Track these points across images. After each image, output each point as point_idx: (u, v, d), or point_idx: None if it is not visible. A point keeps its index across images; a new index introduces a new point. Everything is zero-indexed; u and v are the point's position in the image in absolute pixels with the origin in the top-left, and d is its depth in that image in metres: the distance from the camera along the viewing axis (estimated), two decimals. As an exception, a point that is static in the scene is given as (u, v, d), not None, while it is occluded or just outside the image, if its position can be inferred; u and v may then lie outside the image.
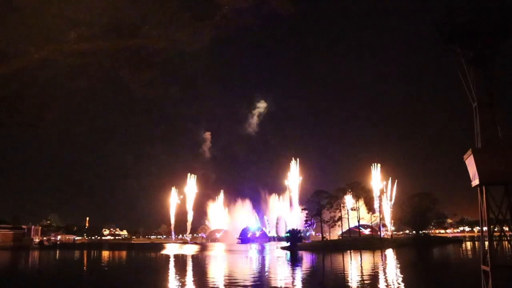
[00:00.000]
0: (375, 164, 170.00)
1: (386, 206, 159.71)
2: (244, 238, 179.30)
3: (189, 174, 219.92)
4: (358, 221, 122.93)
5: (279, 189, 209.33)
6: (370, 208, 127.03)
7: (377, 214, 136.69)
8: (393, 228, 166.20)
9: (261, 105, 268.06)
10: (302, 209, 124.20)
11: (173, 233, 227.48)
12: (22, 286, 37.98)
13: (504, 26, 16.68)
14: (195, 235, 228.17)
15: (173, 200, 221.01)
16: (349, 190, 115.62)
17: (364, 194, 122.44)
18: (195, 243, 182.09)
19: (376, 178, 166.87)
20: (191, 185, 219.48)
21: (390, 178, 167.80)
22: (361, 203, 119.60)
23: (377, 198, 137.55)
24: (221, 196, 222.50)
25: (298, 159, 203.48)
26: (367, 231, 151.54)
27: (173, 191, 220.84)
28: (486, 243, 16.42)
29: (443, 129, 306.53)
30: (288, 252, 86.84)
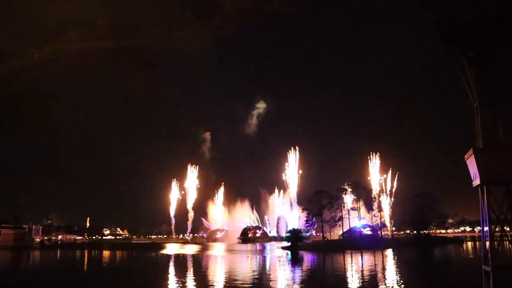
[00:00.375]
0: (373, 153, 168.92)
1: (386, 205, 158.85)
2: (244, 238, 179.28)
3: (189, 166, 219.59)
4: (359, 221, 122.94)
5: (279, 187, 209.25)
6: (370, 208, 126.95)
7: (378, 214, 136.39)
8: (394, 228, 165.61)
9: (260, 106, 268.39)
10: (303, 209, 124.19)
11: (173, 232, 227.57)
12: (23, 286, 38.01)
13: (504, 26, 16.66)
14: (195, 234, 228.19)
15: (173, 195, 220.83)
16: (350, 190, 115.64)
17: (365, 194, 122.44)
18: (196, 243, 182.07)
19: (375, 169, 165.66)
20: (192, 179, 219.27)
21: (390, 169, 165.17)
22: (361, 203, 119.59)
23: (377, 196, 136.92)
24: (221, 196, 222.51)
25: (297, 147, 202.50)
26: (368, 231, 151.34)
27: (174, 185, 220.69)
28: (487, 243, 16.42)
29: (444, 129, 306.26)
30: (289, 252, 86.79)
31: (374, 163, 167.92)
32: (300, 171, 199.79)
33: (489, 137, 16.20)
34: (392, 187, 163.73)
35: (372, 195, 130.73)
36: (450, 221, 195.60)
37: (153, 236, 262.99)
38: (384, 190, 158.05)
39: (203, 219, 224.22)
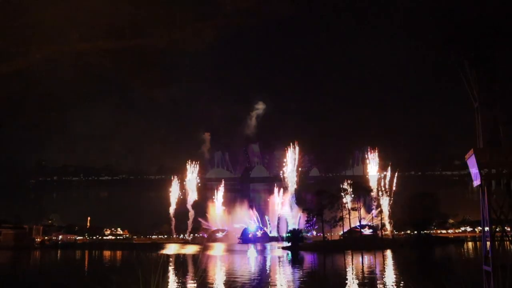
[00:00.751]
0: (372, 150, 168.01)
1: (386, 205, 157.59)
2: (245, 238, 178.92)
3: (189, 163, 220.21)
4: (359, 221, 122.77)
5: (279, 185, 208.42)
6: (370, 208, 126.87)
7: (377, 215, 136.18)
8: (394, 229, 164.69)
9: (260, 106, 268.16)
10: (303, 210, 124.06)
11: (174, 232, 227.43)
12: (23, 285, 38.02)
13: (504, 26, 16.66)
14: (196, 235, 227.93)
15: (173, 193, 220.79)
16: (350, 191, 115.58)
17: (365, 194, 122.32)
18: (196, 243, 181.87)
19: (375, 167, 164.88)
20: (192, 177, 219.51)
21: (390, 164, 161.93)
22: (361, 204, 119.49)
23: (376, 194, 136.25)
24: (221, 196, 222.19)
25: (296, 143, 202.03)
26: (368, 231, 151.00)
27: (174, 183, 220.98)
28: (488, 243, 16.42)
29: (444, 129, 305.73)
30: (289, 252, 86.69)
31: (374, 161, 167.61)
32: (300, 169, 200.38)
33: (489, 137, 16.22)
34: (391, 184, 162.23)
35: (372, 196, 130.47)
36: (451, 221, 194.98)
37: (153, 236, 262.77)
38: (384, 188, 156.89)
39: (201, 220, 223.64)
